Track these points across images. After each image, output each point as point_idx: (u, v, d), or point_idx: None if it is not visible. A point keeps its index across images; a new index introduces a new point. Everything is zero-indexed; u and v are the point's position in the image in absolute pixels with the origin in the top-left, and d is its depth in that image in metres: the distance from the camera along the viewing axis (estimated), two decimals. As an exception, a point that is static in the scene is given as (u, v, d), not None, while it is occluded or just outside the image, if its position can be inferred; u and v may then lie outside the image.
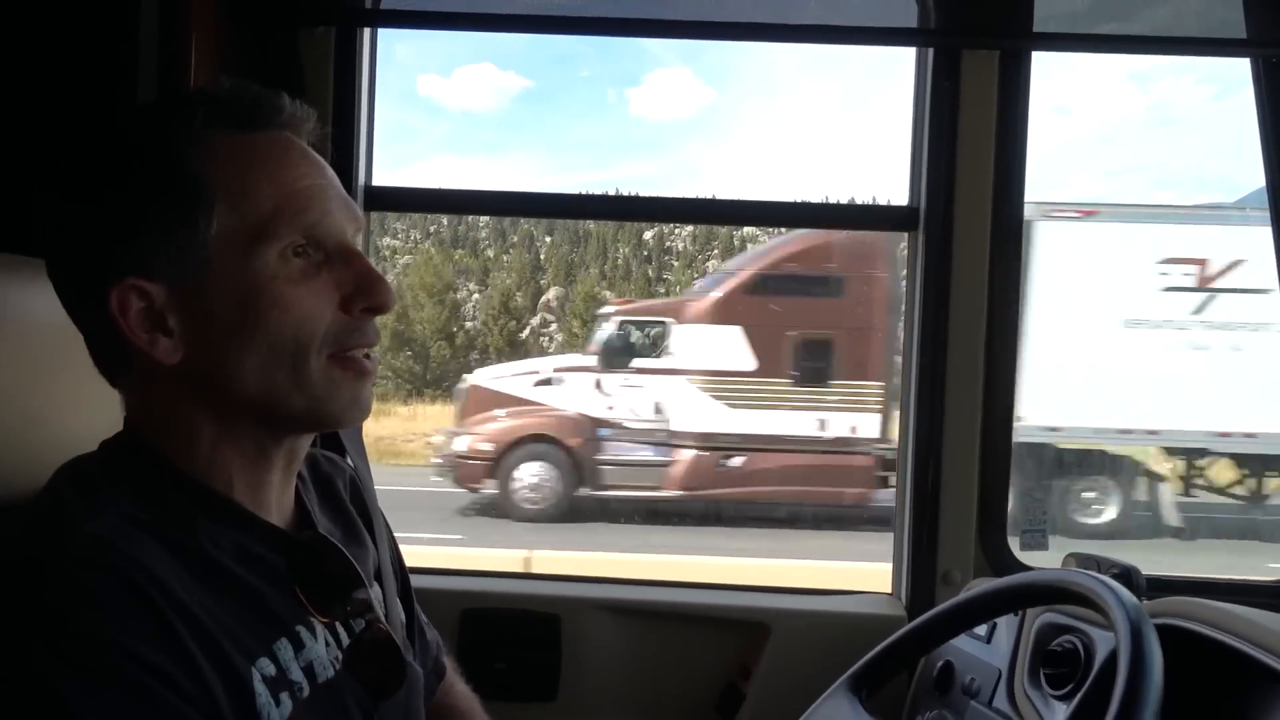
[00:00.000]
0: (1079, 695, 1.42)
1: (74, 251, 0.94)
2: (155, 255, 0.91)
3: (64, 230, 0.95)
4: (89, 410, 1.01)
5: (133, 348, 0.92)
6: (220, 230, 0.91)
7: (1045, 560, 2.04)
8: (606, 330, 10.32)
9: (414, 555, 1.34)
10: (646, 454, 10.09)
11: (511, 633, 2.01)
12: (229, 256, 0.91)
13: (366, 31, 2.02)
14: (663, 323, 10.20)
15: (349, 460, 1.30)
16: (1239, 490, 10.02)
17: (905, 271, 2.15)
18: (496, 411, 10.34)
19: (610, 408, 10.11)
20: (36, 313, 1.02)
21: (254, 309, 0.92)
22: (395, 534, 1.30)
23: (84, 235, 0.93)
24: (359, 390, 0.99)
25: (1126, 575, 1.46)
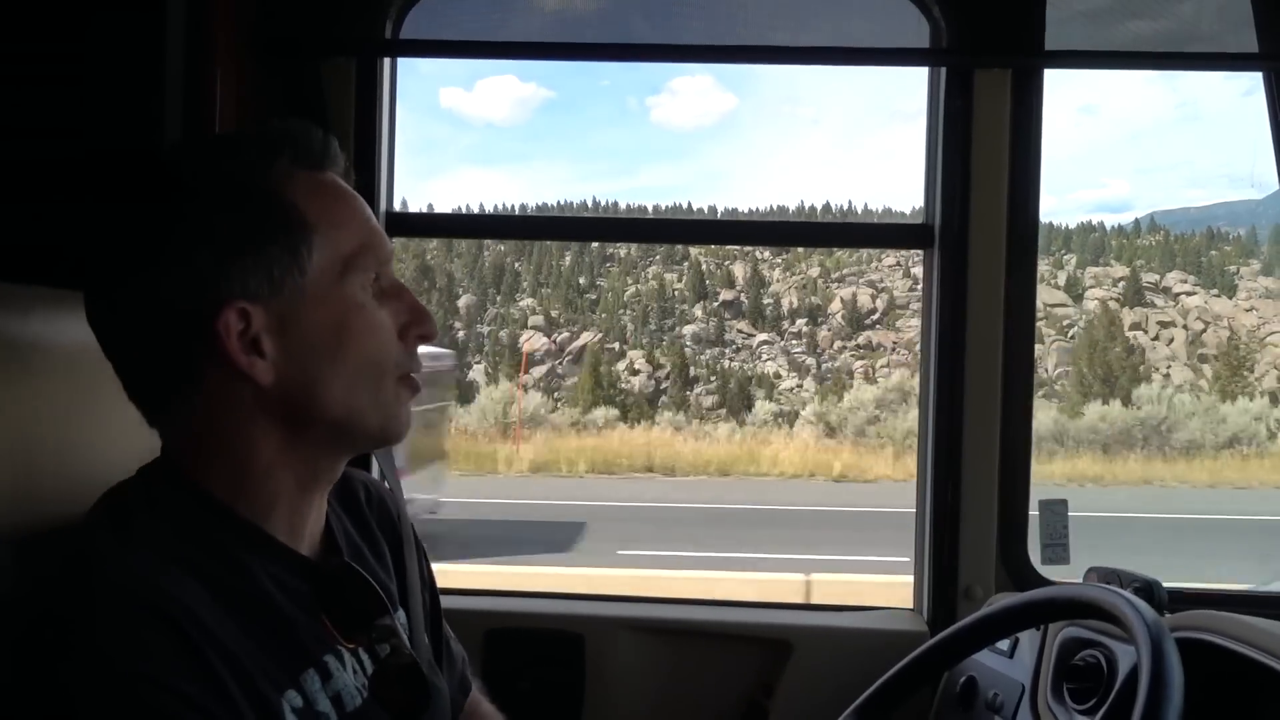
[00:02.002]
0: (1103, 709, 1.42)
1: (163, 276, 0.95)
2: (258, 281, 0.95)
3: (147, 256, 0.96)
4: (126, 437, 1.04)
5: (216, 370, 0.95)
6: (319, 259, 0.98)
7: (1067, 574, 2.04)
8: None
9: (438, 575, 1.35)
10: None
11: (535, 653, 2.02)
12: (324, 284, 0.98)
13: (387, 61, 2.06)
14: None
15: (383, 481, 1.33)
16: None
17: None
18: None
19: None
20: (73, 343, 1.05)
21: (347, 332, 0.99)
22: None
23: (179, 261, 0.95)
24: (409, 411, 1.08)
25: (1148, 589, 1.46)
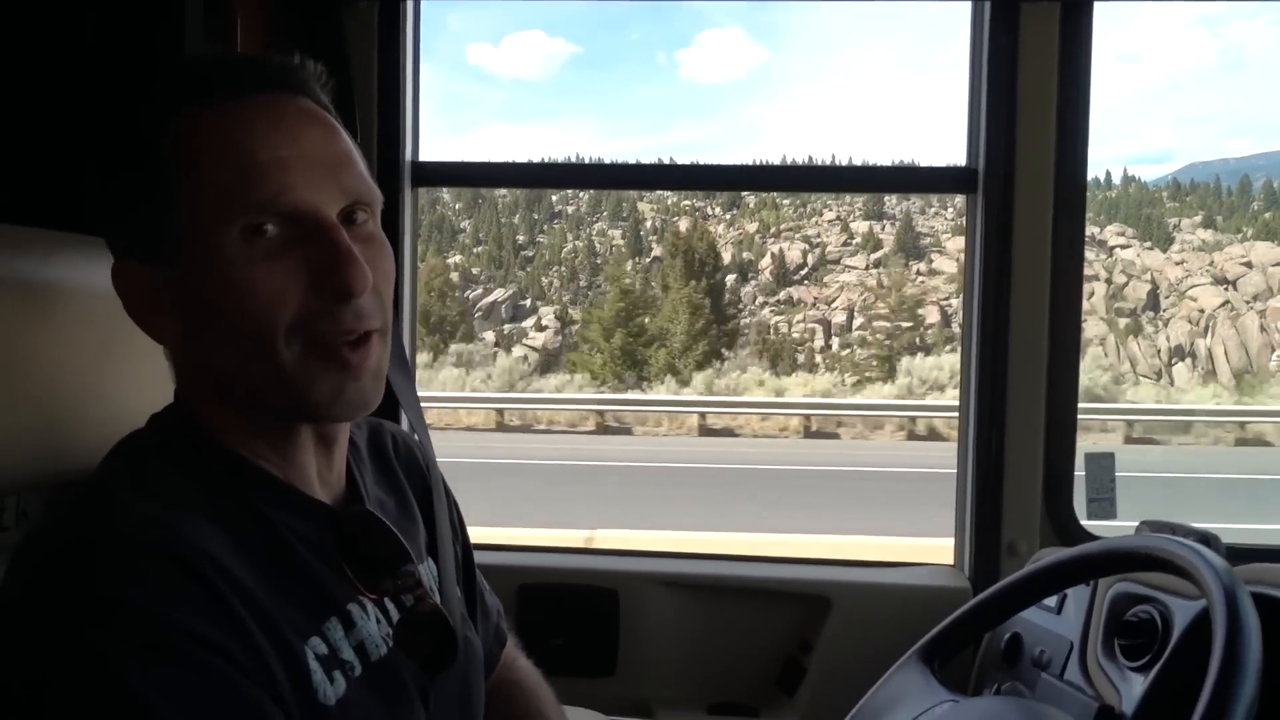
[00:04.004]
0: (1157, 666, 1.38)
1: (100, 231, 0.95)
2: (140, 239, 0.90)
3: (92, 210, 0.96)
4: (159, 384, 1.01)
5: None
6: (189, 212, 0.87)
7: (1112, 529, 1.99)
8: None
9: (471, 532, 1.33)
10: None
11: (569, 608, 2.01)
12: (197, 239, 0.87)
13: (410, 5, 2.00)
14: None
15: (411, 430, 1.29)
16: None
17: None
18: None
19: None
20: (95, 289, 1.02)
21: (218, 295, 0.87)
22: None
23: (95, 216, 0.94)
24: (342, 383, 0.91)
25: (1206, 542, 1.41)
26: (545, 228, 57.14)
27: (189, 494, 0.88)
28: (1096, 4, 1.91)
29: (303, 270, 0.87)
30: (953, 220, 52.58)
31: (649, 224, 55.81)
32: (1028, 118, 1.90)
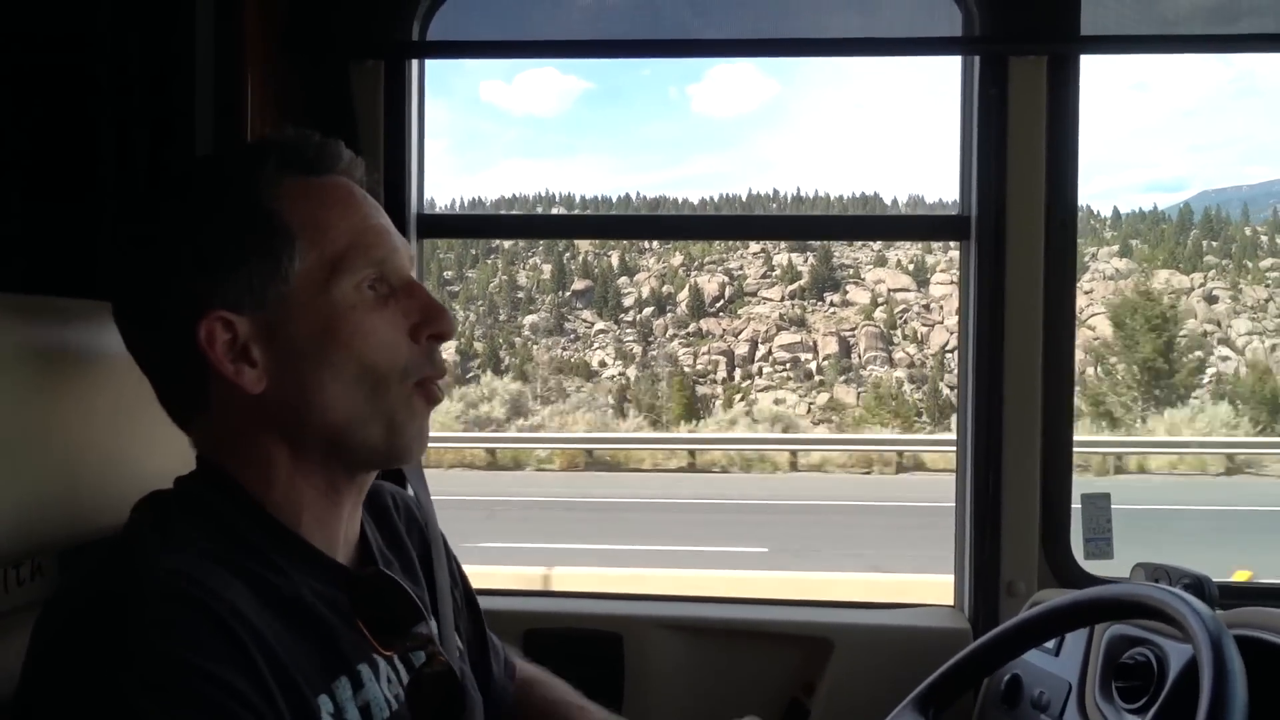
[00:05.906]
0: (1153, 708, 1.39)
1: (157, 288, 0.98)
2: (241, 290, 0.95)
3: (145, 268, 0.99)
4: (171, 447, 1.04)
5: (216, 380, 0.96)
6: (302, 265, 0.96)
7: (1110, 569, 2.01)
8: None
9: (476, 576, 1.36)
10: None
11: (574, 652, 2.02)
12: (310, 289, 0.96)
13: (415, 63, 2.06)
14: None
15: (409, 489, 1.32)
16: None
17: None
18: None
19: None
20: (112, 354, 1.06)
21: (336, 337, 0.96)
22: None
23: (169, 272, 0.97)
24: (425, 422, 1.04)
25: (1199, 585, 1.43)
26: (480, 263, 57.02)
27: (214, 551, 0.91)
28: (1083, 57, 1.96)
29: (400, 319, 1.01)
30: (877, 252, 52.56)
31: (581, 258, 55.72)
32: (1017, 166, 1.95)
